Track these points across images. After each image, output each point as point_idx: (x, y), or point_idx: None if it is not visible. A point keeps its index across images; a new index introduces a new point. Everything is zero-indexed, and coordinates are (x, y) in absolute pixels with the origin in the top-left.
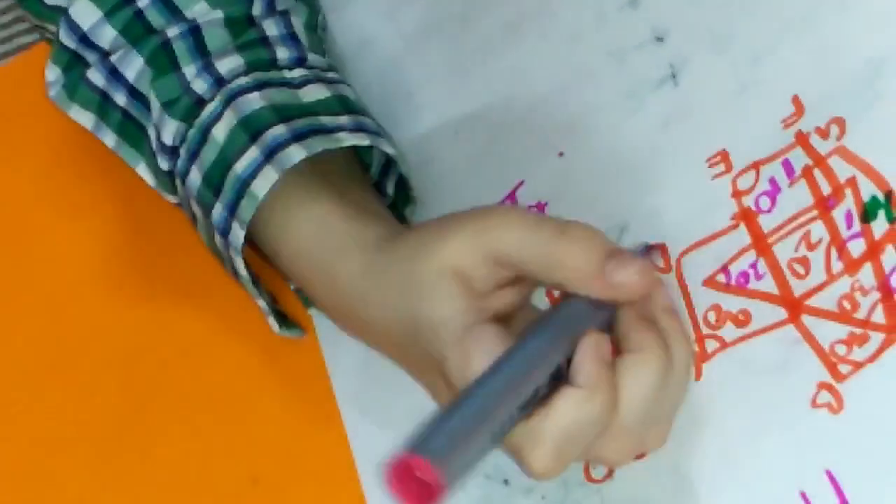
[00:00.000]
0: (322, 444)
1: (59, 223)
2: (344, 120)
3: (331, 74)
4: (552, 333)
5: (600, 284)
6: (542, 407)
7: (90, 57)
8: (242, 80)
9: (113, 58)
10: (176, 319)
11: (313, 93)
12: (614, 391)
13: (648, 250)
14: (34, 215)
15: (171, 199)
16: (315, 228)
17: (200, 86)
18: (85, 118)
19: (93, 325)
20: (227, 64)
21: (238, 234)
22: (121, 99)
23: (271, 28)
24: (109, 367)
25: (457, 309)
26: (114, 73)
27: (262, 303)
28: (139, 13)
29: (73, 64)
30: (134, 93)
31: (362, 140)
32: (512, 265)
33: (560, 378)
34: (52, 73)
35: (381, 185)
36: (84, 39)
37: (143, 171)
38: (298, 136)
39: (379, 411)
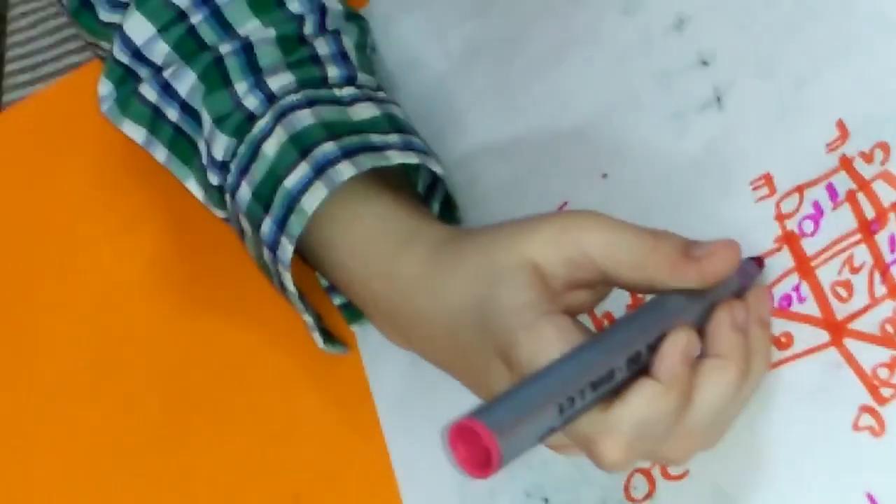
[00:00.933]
0: (363, 460)
1: (108, 236)
2: (393, 138)
3: (380, 94)
4: (637, 321)
5: (686, 268)
6: (617, 398)
7: (143, 72)
8: (293, 97)
9: (166, 73)
10: (220, 334)
11: (363, 111)
12: (690, 390)
13: (755, 262)
14: (83, 229)
15: (220, 213)
16: (380, 222)
17: (252, 102)
18: (136, 132)
19: (138, 337)
20: (279, 81)
21: (287, 248)
22: (173, 114)
23: (322, 47)
24: (154, 379)
25: (533, 297)
26: (166, 89)
27: (308, 318)
28: (192, 29)
29: (125, 79)
30: (186, 108)
31: (411, 158)
32: (593, 267)
33: (643, 369)
34: (105, 88)
35: (428, 204)
36: (137, 54)
37: (192, 185)
38: (348, 153)
39: (420, 429)
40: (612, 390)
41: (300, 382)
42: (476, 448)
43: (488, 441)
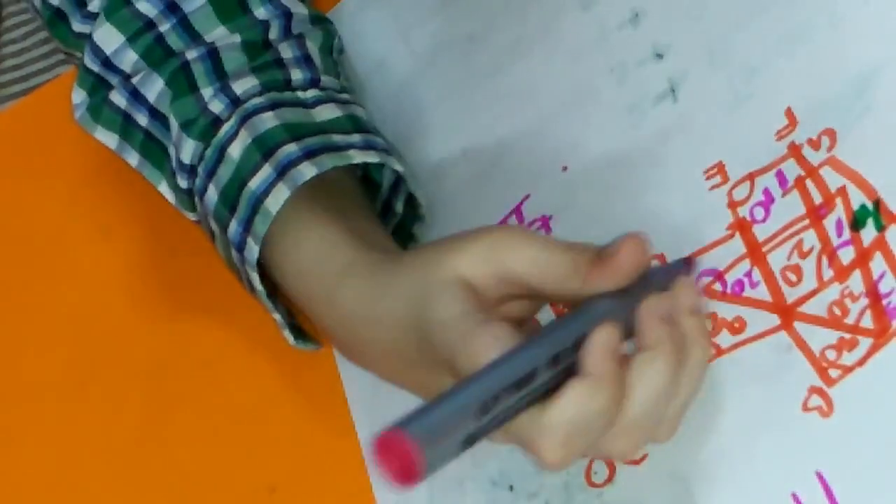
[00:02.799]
0: (336, 453)
1: (89, 240)
2: (355, 138)
3: (343, 95)
4: (562, 324)
5: (597, 271)
6: (551, 399)
7: (113, 79)
8: (257, 101)
9: (134, 80)
10: (197, 333)
11: (326, 113)
12: (622, 385)
13: (685, 263)
14: (65, 232)
15: (191, 216)
16: (317, 252)
17: (217, 106)
18: (109, 139)
19: (117, 339)
20: (243, 85)
21: (253, 249)
22: (142, 120)
23: (286, 51)
24: (133, 378)
25: (467, 308)
26: (135, 95)
27: (277, 316)
28: (160, 37)
29: (97, 87)
30: (155, 113)
31: (371, 157)
32: (521, 282)
33: (572, 373)
34: (78, 96)
35: (391, 203)
36: (107, 63)
37: (164, 189)
38: (309, 154)
39: (391, 421)
40: (541, 392)
41: (275, 379)
42: (401, 457)
43: (411, 451)
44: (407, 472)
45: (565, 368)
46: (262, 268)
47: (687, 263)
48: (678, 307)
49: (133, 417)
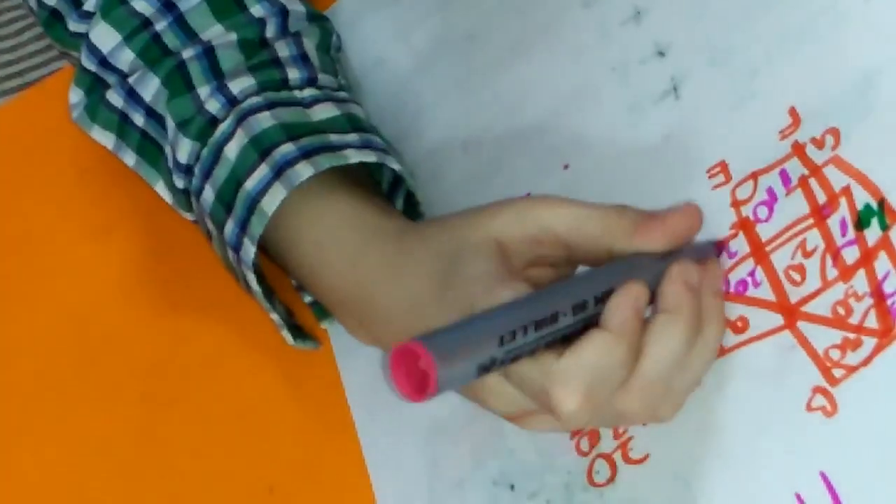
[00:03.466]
0: (336, 453)
1: (84, 240)
2: (351, 137)
3: (341, 94)
4: (590, 276)
5: (651, 227)
6: (569, 348)
7: (110, 79)
8: (254, 100)
9: (131, 79)
10: (195, 332)
11: (322, 111)
12: (639, 342)
13: (716, 246)
14: (61, 231)
15: (188, 216)
16: (345, 217)
17: (213, 106)
18: (106, 138)
19: (115, 338)
20: (240, 84)
21: (249, 249)
22: (139, 119)
23: (283, 49)
24: (131, 378)
25: (493, 268)
26: (132, 95)
27: (275, 316)
28: (157, 36)
29: (94, 86)
30: (151, 113)
31: (368, 157)
32: (556, 242)
33: (594, 323)
34: (76, 96)
35: (391, 201)
36: (104, 62)
37: (161, 189)
38: (306, 154)
39: (391, 421)
40: (559, 336)
41: (275, 378)
42: (415, 372)
43: (426, 363)
44: (421, 385)
45: (587, 318)
46: (261, 267)
47: (718, 247)
48: (704, 282)
49: (131, 417)
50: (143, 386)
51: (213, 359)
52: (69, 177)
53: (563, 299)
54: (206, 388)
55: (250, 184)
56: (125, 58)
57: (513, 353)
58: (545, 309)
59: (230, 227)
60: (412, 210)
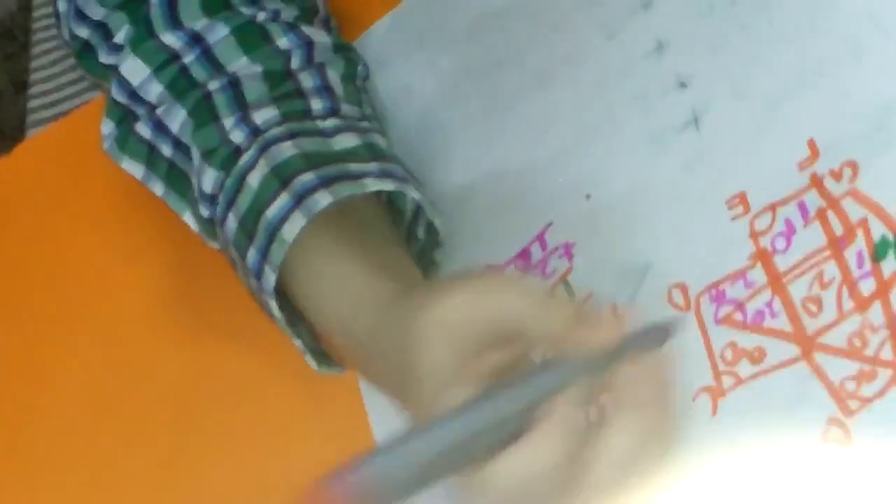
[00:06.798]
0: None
1: (115, 266)
2: (371, 166)
3: (363, 124)
4: (524, 382)
5: (580, 332)
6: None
7: (139, 111)
8: (277, 130)
9: (159, 111)
10: (223, 357)
11: (344, 141)
12: (576, 447)
13: (658, 328)
14: (92, 259)
15: (214, 244)
16: (333, 287)
17: (238, 136)
18: (135, 169)
19: (145, 362)
20: (263, 115)
21: (269, 277)
22: (166, 150)
23: (307, 80)
24: (159, 402)
25: (444, 363)
26: (159, 126)
27: (298, 342)
28: (184, 69)
29: (124, 118)
30: (178, 144)
31: (387, 185)
32: (506, 326)
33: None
34: (107, 127)
35: (414, 229)
36: (133, 95)
37: (188, 218)
38: (325, 182)
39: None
40: (504, 437)
41: (300, 401)
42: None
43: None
44: None
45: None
46: (284, 294)
47: (663, 331)
48: (645, 378)
49: (159, 441)
50: (171, 410)
51: (240, 384)
52: (101, 204)
53: (507, 403)
54: (233, 413)
55: (271, 212)
56: (154, 90)
57: (453, 464)
58: (483, 420)
59: (252, 254)
60: (434, 238)
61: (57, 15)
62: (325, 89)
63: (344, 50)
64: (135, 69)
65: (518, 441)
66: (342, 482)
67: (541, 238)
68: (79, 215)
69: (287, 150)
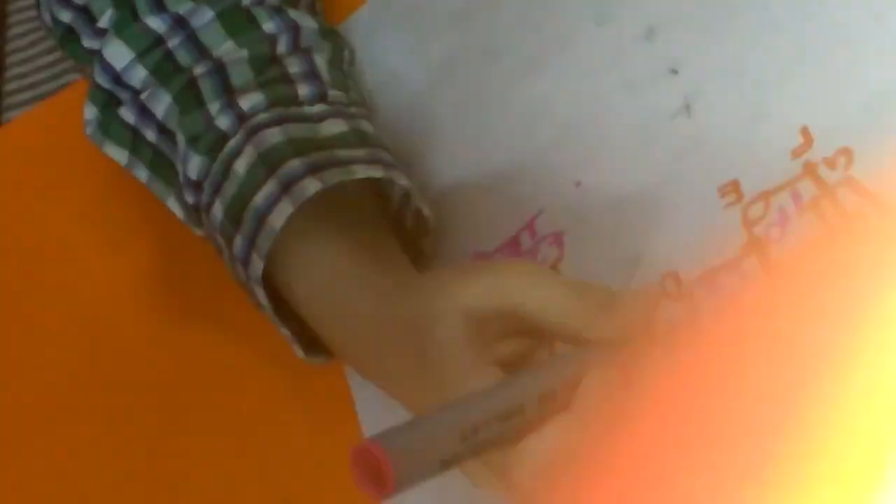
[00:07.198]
0: (348, 466)
1: (99, 251)
2: (360, 153)
3: (351, 109)
4: (554, 363)
5: (605, 321)
6: (536, 432)
7: (123, 95)
8: (263, 116)
9: (143, 96)
10: (208, 344)
11: (332, 127)
12: (606, 426)
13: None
14: (74, 244)
15: (199, 232)
16: (327, 274)
17: (223, 122)
18: (118, 154)
19: (128, 349)
20: (250, 100)
21: (257, 265)
22: (151, 136)
23: (293, 65)
24: (144, 391)
25: (463, 346)
26: (143, 111)
27: (285, 331)
28: (169, 53)
29: (108, 103)
30: (163, 129)
31: (376, 172)
32: (525, 318)
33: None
34: (90, 112)
35: (402, 217)
36: (117, 79)
37: (173, 204)
38: (314, 169)
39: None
40: (525, 424)
41: (287, 390)
42: (375, 471)
43: (384, 464)
44: (380, 485)
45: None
46: (271, 283)
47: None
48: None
49: (144, 430)
50: (155, 398)
51: (226, 371)
52: (83, 189)
53: (526, 390)
54: (220, 402)
55: (258, 199)
56: (138, 75)
57: (476, 447)
58: (509, 401)
59: (239, 242)
60: (422, 226)
61: None
62: (312, 74)
63: (331, 35)
64: (118, 53)
65: (556, 417)
66: (381, 448)
67: (530, 226)
68: (60, 199)
69: (274, 136)
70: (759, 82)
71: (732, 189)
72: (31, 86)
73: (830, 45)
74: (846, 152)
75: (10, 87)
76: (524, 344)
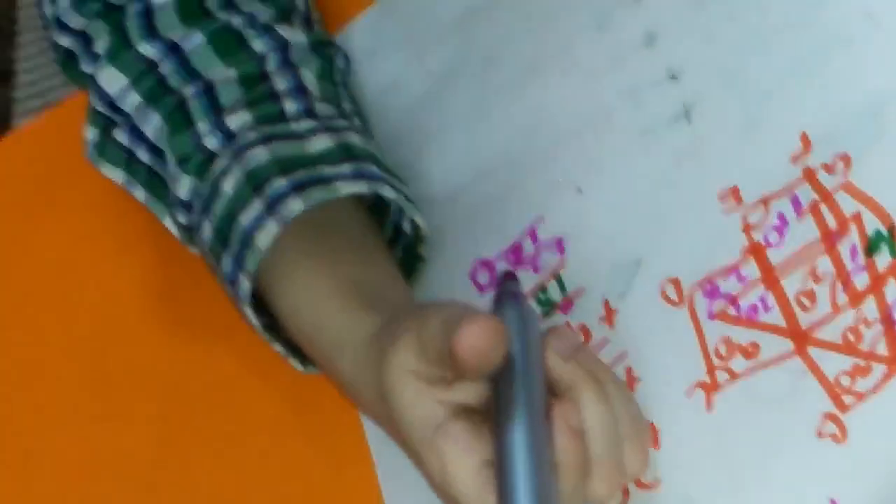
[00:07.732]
0: (352, 478)
1: (104, 260)
2: (344, 168)
3: (339, 122)
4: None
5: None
6: None
7: (118, 119)
8: (250, 135)
9: (134, 116)
10: (210, 355)
11: (318, 143)
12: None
13: (505, 278)
14: (80, 252)
15: (193, 250)
16: (312, 319)
17: (211, 142)
18: (116, 175)
19: (131, 359)
20: (237, 119)
21: (245, 285)
22: (144, 156)
23: (280, 82)
24: (147, 401)
25: (421, 409)
26: (134, 131)
27: (279, 348)
28: (162, 79)
29: (105, 126)
30: (154, 149)
31: (360, 187)
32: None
33: None
34: (89, 133)
35: (400, 224)
36: (112, 105)
37: (168, 223)
38: (297, 188)
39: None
40: None
41: (290, 401)
42: None
43: None
44: None
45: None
46: (265, 297)
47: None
48: (565, 352)
49: (147, 438)
50: (158, 408)
51: (228, 381)
52: (90, 196)
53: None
54: (222, 411)
55: (244, 219)
56: (132, 101)
57: None
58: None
59: (227, 261)
60: (418, 233)
61: (43, 17)
62: (299, 90)
63: (321, 46)
64: (112, 79)
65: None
66: None
67: (532, 232)
68: (67, 206)
69: (260, 155)
70: (758, 88)
71: (731, 194)
72: (41, 93)
73: (828, 51)
74: (844, 157)
75: (20, 93)
76: (473, 388)
